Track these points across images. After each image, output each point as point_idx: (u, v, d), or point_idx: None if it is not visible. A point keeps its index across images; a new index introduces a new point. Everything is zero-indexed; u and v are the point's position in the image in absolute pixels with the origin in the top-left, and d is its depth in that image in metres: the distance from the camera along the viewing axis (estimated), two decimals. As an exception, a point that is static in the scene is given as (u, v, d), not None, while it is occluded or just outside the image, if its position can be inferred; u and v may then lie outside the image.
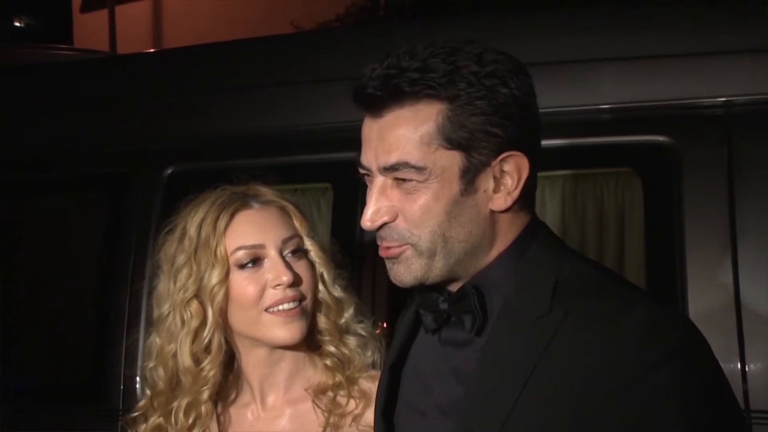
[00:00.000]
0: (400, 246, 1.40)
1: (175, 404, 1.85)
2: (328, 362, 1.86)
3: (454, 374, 1.45)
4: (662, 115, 2.49)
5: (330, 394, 1.83)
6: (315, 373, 1.87)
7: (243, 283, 1.81)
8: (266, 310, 1.80)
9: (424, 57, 1.37)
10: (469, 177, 1.38)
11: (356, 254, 2.51)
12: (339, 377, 1.84)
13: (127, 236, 2.98)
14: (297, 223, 1.88)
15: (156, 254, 1.92)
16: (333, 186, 2.84)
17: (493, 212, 1.41)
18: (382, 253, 1.44)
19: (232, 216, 1.83)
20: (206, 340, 1.83)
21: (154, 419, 1.88)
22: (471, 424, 1.37)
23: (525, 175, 1.40)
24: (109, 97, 3.21)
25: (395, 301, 2.48)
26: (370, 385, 1.80)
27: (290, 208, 1.89)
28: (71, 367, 3.09)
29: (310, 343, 1.87)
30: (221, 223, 1.82)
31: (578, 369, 1.30)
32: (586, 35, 2.62)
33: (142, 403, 1.93)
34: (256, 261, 1.81)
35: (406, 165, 1.37)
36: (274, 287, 1.79)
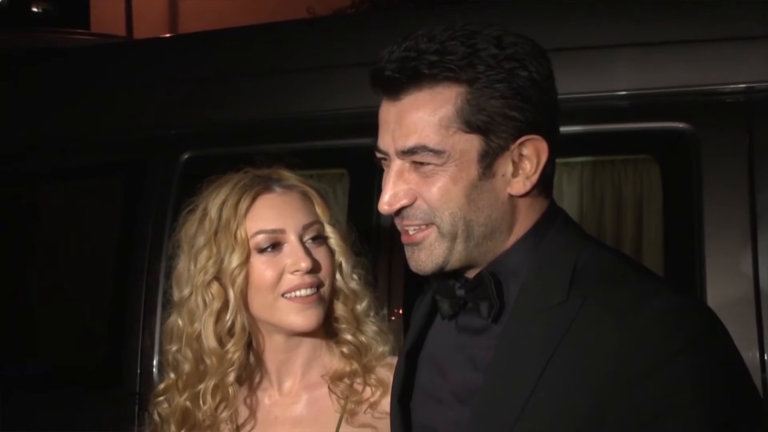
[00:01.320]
0: (423, 229, 1.39)
1: (202, 386, 1.84)
2: (345, 350, 1.85)
3: (470, 361, 1.44)
4: (682, 101, 2.47)
5: (346, 381, 1.83)
6: (332, 360, 1.87)
7: (261, 267, 1.80)
8: (283, 295, 1.79)
9: (443, 39, 1.35)
10: (488, 161, 1.36)
11: (372, 240, 2.51)
12: (355, 365, 1.83)
13: (144, 221, 2.99)
14: (319, 210, 1.86)
15: (176, 233, 1.91)
16: (349, 171, 2.84)
17: (511, 197, 1.39)
18: (404, 239, 1.42)
19: (253, 199, 1.82)
20: (229, 322, 1.82)
21: (180, 401, 1.86)
22: (487, 411, 1.36)
23: (544, 159, 1.39)
24: (126, 83, 3.21)
25: (411, 287, 2.48)
26: (387, 373, 1.78)
27: (312, 193, 1.88)
28: (89, 350, 3.11)
29: (327, 330, 1.86)
30: (242, 206, 1.80)
31: (596, 358, 1.28)
32: (605, 21, 2.60)
33: (164, 385, 1.91)
34: (275, 245, 1.80)
35: (424, 148, 1.35)
36: (293, 273, 1.78)
